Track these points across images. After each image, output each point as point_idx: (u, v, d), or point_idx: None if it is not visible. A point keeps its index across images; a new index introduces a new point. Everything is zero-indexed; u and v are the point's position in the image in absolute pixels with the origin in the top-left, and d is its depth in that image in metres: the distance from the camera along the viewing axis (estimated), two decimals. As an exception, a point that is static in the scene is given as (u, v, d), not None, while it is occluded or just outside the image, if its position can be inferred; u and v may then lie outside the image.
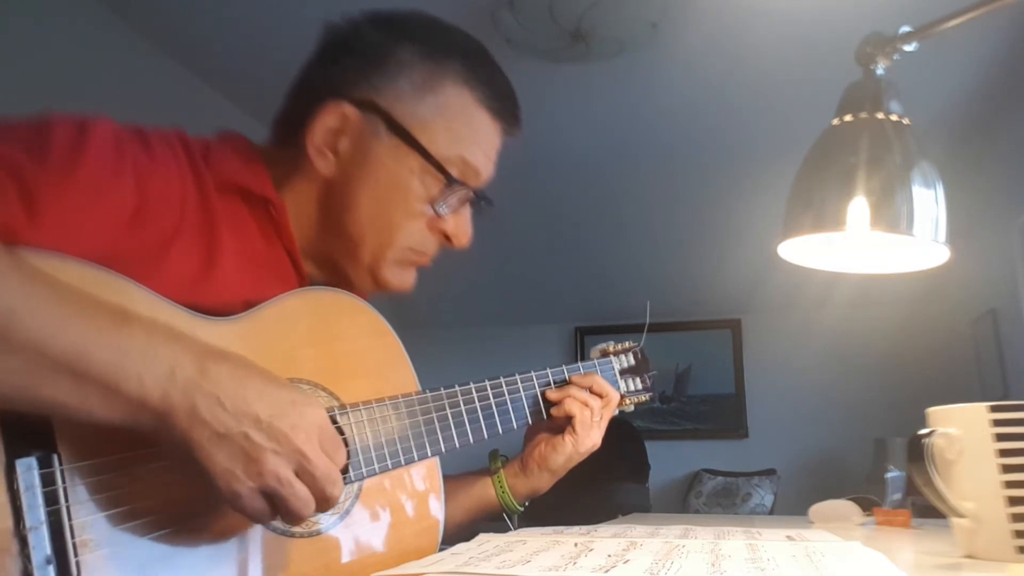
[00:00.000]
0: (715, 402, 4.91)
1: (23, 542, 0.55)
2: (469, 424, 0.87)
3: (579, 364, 1.04)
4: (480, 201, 0.88)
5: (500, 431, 0.91)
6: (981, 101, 3.18)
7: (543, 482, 1.02)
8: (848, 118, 0.91)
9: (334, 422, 0.76)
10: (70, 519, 0.58)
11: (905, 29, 0.90)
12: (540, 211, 4.06)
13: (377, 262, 0.85)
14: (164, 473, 0.63)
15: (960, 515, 0.75)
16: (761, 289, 4.26)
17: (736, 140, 3.46)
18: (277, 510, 0.62)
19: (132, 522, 0.61)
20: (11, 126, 0.66)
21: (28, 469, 0.57)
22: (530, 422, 0.97)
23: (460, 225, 0.88)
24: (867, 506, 1.31)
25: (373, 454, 0.78)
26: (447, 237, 0.88)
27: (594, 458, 1.03)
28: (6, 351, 0.53)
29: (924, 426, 0.77)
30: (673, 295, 4.50)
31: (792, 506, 3.97)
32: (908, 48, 0.91)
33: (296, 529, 0.72)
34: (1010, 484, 0.71)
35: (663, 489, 4.75)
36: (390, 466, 0.79)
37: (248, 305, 0.75)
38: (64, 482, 0.58)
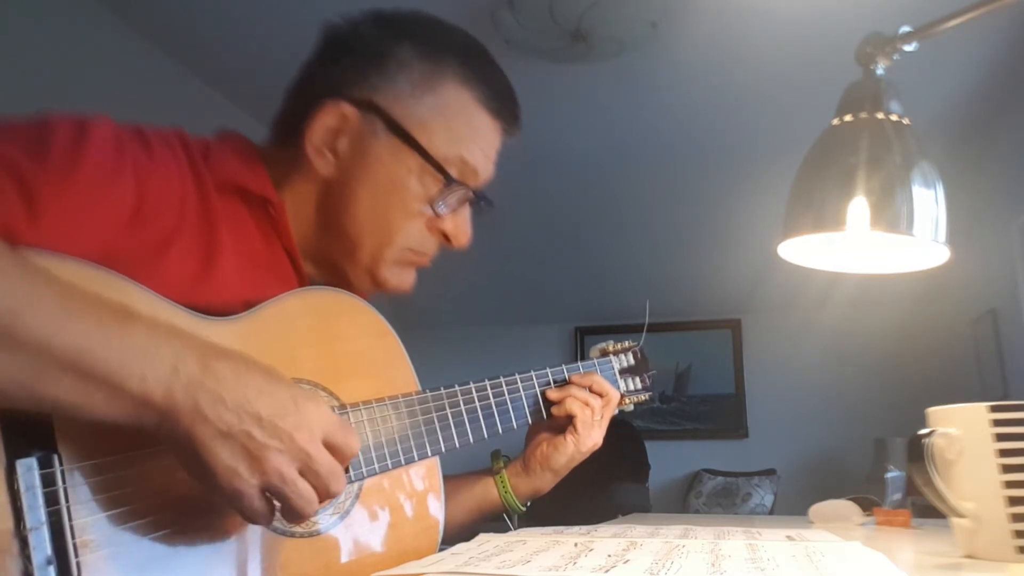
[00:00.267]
0: (715, 402, 4.92)
1: (23, 543, 0.55)
2: (469, 424, 0.87)
3: (579, 364, 1.04)
4: (479, 201, 0.88)
5: (500, 431, 0.91)
6: (981, 101, 3.19)
7: (545, 482, 1.02)
8: (848, 118, 0.91)
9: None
10: (71, 519, 0.58)
11: (905, 29, 0.90)
12: (540, 211, 4.06)
13: (376, 262, 0.85)
14: (165, 473, 0.63)
15: (960, 515, 0.75)
16: (761, 289, 4.26)
17: (736, 140, 3.46)
18: (279, 509, 0.62)
19: (133, 522, 0.61)
20: (11, 126, 0.66)
21: (28, 469, 0.57)
22: (530, 422, 0.97)
23: (459, 225, 0.88)
24: (867, 506, 1.31)
25: (373, 454, 0.78)
26: (446, 237, 0.88)
27: (594, 458, 1.03)
28: (9, 348, 0.53)
29: (924, 426, 0.77)
30: (673, 295, 4.50)
31: (792, 506, 3.97)
32: (908, 48, 0.91)
33: (296, 529, 0.72)
34: (1010, 484, 0.71)
35: (663, 489, 4.76)
36: (390, 466, 0.79)
37: (248, 305, 0.75)
38: (64, 482, 0.58)
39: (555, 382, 1.00)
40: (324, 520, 0.75)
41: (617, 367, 1.08)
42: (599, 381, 1.01)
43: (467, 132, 0.85)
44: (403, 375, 0.86)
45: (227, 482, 0.59)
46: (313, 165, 0.83)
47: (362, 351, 0.83)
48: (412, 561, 0.69)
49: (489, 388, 0.92)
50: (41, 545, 0.56)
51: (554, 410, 0.98)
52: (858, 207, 0.86)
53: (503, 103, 0.88)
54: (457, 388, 0.88)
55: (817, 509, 1.29)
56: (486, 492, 1.02)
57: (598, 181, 3.89)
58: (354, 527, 0.77)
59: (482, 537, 0.79)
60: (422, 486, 0.85)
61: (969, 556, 0.76)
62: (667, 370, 4.89)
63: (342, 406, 0.78)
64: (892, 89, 0.91)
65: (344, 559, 0.76)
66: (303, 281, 0.87)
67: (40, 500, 0.57)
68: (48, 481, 0.57)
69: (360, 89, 0.83)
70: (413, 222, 0.85)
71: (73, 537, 0.58)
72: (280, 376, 0.64)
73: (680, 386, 4.96)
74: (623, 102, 3.24)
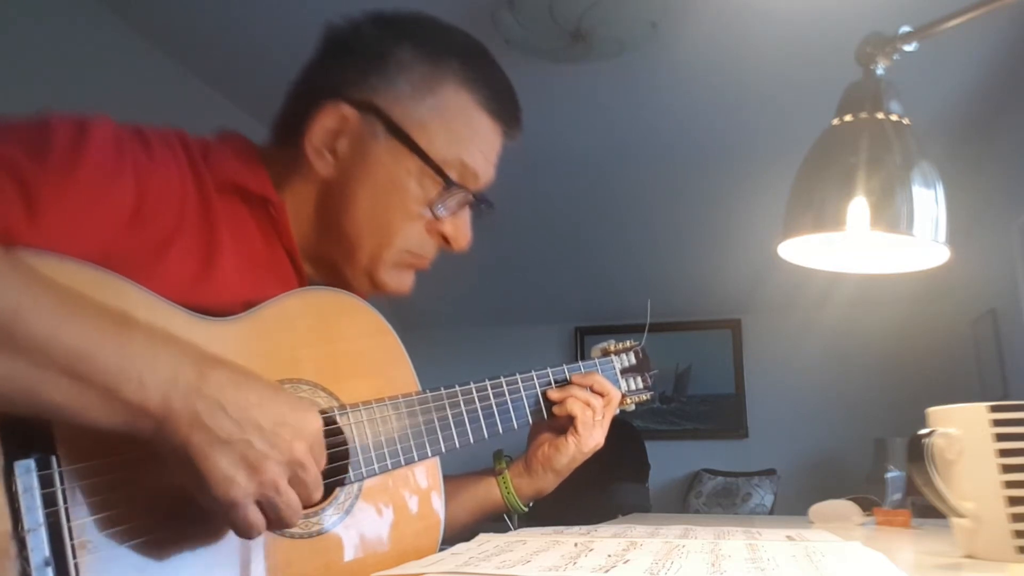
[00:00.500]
0: (715, 402, 4.92)
1: (21, 544, 0.55)
2: (469, 424, 0.87)
3: (580, 363, 1.03)
4: (480, 204, 0.88)
5: (500, 431, 0.91)
6: (981, 101, 3.19)
7: (548, 482, 1.02)
8: (848, 118, 0.91)
9: (334, 422, 0.76)
10: (69, 521, 0.58)
11: (905, 29, 0.90)
12: (540, 211, 4.06)
13: (374, 264, 0.85)
14: (164, 474, 0.62)
15: (960, 515, 0.75)
16: (761, 289, 4.26)
17: (736, 140, 3.46)
18: (267, 519, 0.62)
19: (132, 523, 0.61)
20: (11, 126, 0.66)
21: (27, 471, 0.56)
22: (531, 422, 0.96)
23: (459, 228, 0.88)
24: (867, 506, 1.31)
25: (373, 454, 0.78)
26: (446, 240, 0.87)
27: (594, 458, 1.02)
28: (8, 352, 0.53)
29: (924, 426, 0.77)
30: (673, 295, 4.50)
31: (792, 506, 3.97)
32: (908, 48, 0.91)
33: (296, 529, 0.72)
34: (1010, 484, 0.71)
35: (663, 489, 4.76)
36: (390, 466, 0.79)
37: (248, 305, 0.75)
38: (63, 484, 0.58)
39: (556, 382, 1.00)
40: (326, 520, 0.75)
41: (618, 367, 1.08)
42: (600, 381, 1.00)
43: (467, 134, 0.85)
44: (403, 375, 0.86)
45: (223, 491, 0.58)
46: (313, 166, 0.83)
47: (362, 351, 0.83)
48: (412, 561, 0.69)
49: (489, 388, 0.91)
50: (39, 546, 0.56)
51: (555, 410, 0.98)
52: (858, 207, 0.86)
53: (504, 105, 0.88)
54: (457, 388, 0.88)
55: (817, 509, 1.29)
56: (488, 492, 1.02)
57: (598, 181, 3.89)
58: (355, 527, 0.77)
59: (482, 537, 0.79)
60: (423, 486, 0.85)
61: (969, 556, 0.76)
62: (667, 370, 4.89)
63: (342, 406, 0.78)
64: (892, 89, 0.91)
65: (345, 559, 0.76)
66: (303, 281, 0.87)
67: (38, 501, 0.56)
68: (46, 483, 0.57)
69: (360, 90, 0.83)
70: (412, 224, 0.85)
71: (71, 538, 0.58)
72: (275, 385, 0.64)
73: (680, 386, 4.96)
74: (623, 102, 3.24)
